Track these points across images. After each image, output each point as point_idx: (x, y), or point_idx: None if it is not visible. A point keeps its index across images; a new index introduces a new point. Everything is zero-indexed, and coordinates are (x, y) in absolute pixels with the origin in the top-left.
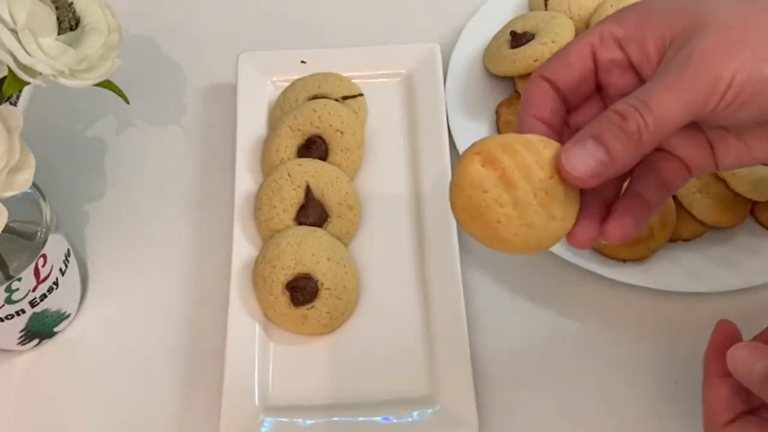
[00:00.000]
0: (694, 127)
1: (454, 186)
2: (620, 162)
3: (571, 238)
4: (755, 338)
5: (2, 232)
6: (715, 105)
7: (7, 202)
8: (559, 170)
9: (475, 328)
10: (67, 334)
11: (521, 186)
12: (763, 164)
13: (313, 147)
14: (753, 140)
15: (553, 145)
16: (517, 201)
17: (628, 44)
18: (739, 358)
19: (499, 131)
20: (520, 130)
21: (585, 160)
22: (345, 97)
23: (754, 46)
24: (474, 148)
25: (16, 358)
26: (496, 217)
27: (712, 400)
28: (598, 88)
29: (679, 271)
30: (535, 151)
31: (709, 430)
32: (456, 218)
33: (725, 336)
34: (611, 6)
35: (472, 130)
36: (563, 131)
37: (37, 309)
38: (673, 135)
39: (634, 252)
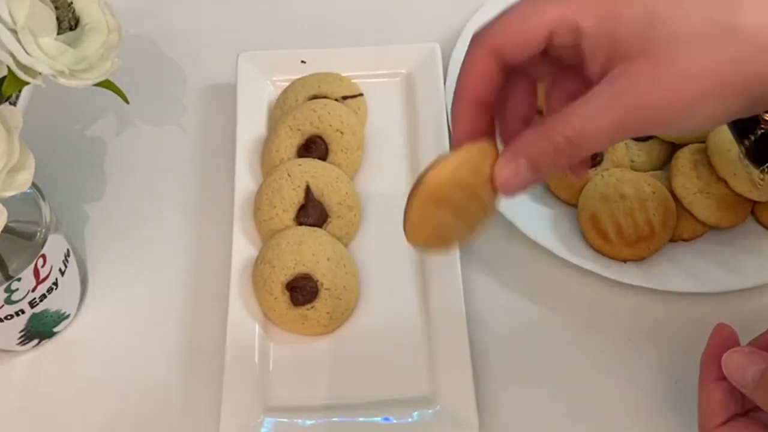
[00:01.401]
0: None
1: (410, 221)
2: (543, 179)
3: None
4: (752, 342)
5: (2, 232)
6: (640, 135)
7: (6, 202)
8: (496, 188)
9: (475, 328)
10: (66, 334)
11: (471, 211)
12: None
13: (313, 147)
14: None
15: (491, 153)
16: (469, 221)
17: (584, 37)
18: (733, 362)
19: None
20: (453, 117)
21: (517, 182)
22: (345, 97)
23: (697, 88)
24: (429, 192)
25: (16, 359)
26: (453, 241)
27: (707, 402)
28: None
29: (679, 271)
30: (478, 173)
31: (704, 431)
32: (412, 242)
33: (722, 340)
34: None
35: None
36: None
37: (37, 309)
38: None
39: (635, 252)
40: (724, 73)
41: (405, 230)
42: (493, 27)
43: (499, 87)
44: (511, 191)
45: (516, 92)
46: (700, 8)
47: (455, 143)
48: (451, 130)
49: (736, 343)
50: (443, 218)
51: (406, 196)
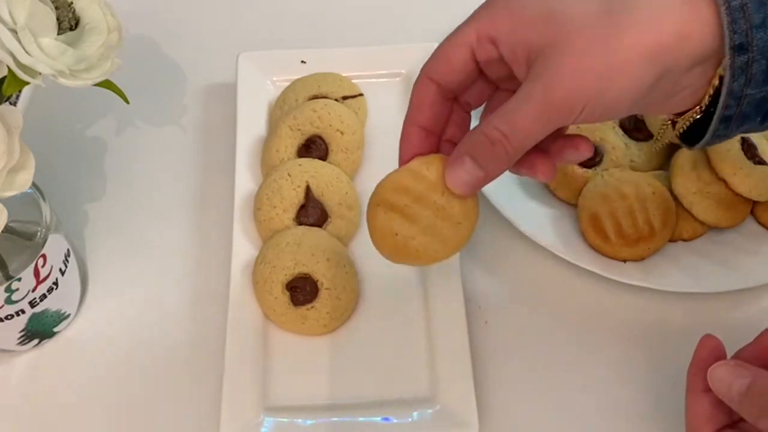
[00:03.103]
0: None
1: (371, 235)
2: (493, 175)
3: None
4: (737, 353)
5: (2, 232)
6: (565, 125)
7: (6, 202)
8: (447, 187)
9: (475, 328)
10: (67, 334)
11: (422, 214)
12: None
13: (313, 147)
14: None
15: (435, 161)
16: (425, 228)
17: (501, 45)
18: (719, 376)
19: None
20: (401, 138)
21: (465, 179)
22: (345, 97)
23: (600, 77)
24: (374, 200)
25: (16, 359)
26: (414, 248)
27: (694, 414)
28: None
29: (679, 271)
30: (421, 178)
31: None
32: (384, 257)
33: (708, 351)
34: None
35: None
36: (451, 113)
37: (37, 309)
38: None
39: (634, 252)
40: (620, 49)
41: (371, 238)
42: (429, 58)
43: (443, 115)
44: (462, 189)
45: (458, 123)
46: None
47: (401, 164)
48: (399, 152)
49: (723, 355)
50: (401, 227)
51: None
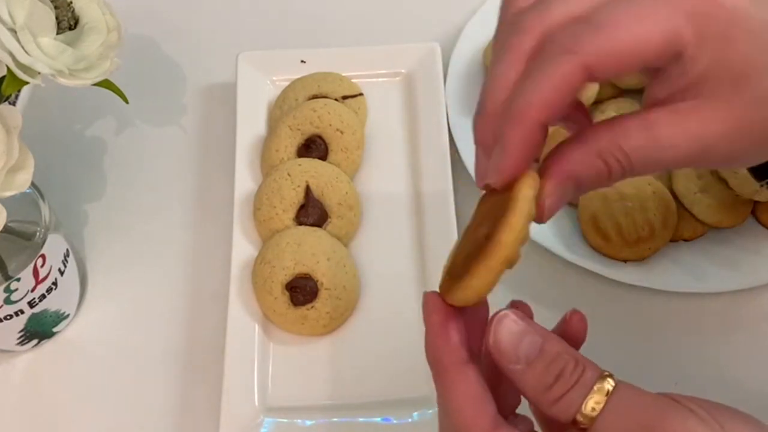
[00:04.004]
0: None
1: (476, 288)
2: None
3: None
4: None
5: (1, 232)
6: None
7: (6, 201)
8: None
9: None
10: (66, 334)
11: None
12: None
13: (313, 147)
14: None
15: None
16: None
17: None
18: (508, 332)
19: None
20: (512, 141)
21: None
22: (345, 97)
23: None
24: (502, 253)
25: (15, 359)
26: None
27: (465, 399)
28: None
29: (680, 271)
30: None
31: None
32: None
33: (443, 315)
34: None
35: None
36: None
37: (36, 309)
38: None
39: (635, 252)
40: None
41: (459, 292)
42: (587, 38)
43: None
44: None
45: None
46: None
47: (502, 174)
48: (499, 159)
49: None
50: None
51: (409, 194)
